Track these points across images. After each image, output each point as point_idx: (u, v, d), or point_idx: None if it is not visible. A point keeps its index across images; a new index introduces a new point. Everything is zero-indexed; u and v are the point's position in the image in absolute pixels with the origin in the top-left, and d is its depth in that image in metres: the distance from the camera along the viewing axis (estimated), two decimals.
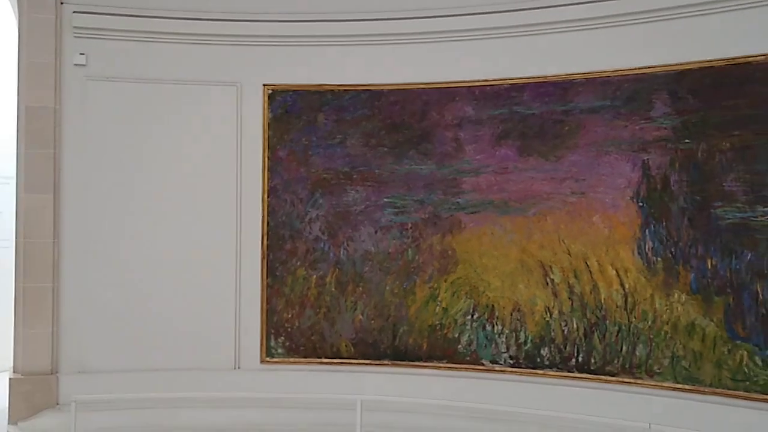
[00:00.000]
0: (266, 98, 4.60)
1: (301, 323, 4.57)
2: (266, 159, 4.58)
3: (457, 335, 4.41)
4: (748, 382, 3.66)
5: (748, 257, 3.70)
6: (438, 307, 4.45)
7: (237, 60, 4.60)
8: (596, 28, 4.11)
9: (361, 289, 4.54)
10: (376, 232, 4.55)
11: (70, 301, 4.49)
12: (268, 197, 4.59)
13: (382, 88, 4.53)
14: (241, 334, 4.56)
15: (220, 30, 4.57)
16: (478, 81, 4.39)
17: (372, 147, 4.56)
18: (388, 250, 4.53)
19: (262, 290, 4.57)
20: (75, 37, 4.52)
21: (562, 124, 4.24)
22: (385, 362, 4.48)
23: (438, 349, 4.44)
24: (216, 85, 4.61)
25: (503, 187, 4.36)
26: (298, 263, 4.58)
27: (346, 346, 4.55)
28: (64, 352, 4.48)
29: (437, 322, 4.45)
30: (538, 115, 4.28)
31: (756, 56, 3.69)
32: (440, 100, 4.47)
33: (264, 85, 4.61)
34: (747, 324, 3.69)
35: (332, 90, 4.58)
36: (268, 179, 4.58)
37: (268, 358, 4.56)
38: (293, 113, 4.61)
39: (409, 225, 4.51)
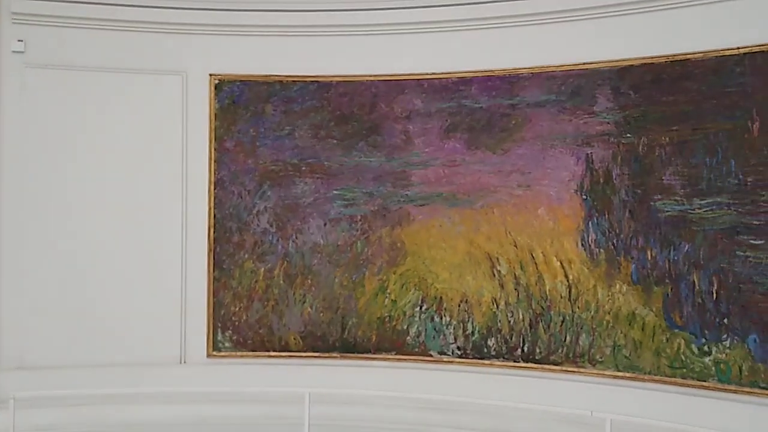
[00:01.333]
0: (213, 88, 4.54)
1: (249, 316, 4.55)
2: (213, 150, 4.53)
3: (405, 327, 4.46)
4: (684, 370, 3.81)
5: (686, 249, 3.83)
6: (387, 300, 4.49)
7: (182, 49, 4.52)
8: (542, 23, 4.18)
9: (309, 281, 4.55)
10: (325, 224, 4.55)
11: (8, 296, 4.36)
12: (214, 189, 4.54)
13: (331, 79, 4.53)
14: (187, 328, 4.50)
15: (165, 18, 4.49)
16: (427, 74, 4.43)
17: (321, 139, 4.55)
18: (337, 242, 4.54)
19: (209, 283, 4.52)
20: (13, 22, 4.37)
21: (508, 117, 4.31)
22: (334, 355, 4.50)
23: (387, 341, 4.48)
24: (161, 74, 4.52)
25: (452, 180, 4.41)
26: (246, 256, 4.55)
27: (294, 339, 4.55)
28: (1, 347, 4.35)
29: (386, 314, 4.49)
30: (486, 109, 4.35)
31: (694, 53, 3.81)
32: (389, 93, 4.49)
33: (210, 74, 4.54)
34: (684, 313, 3.84)
35: (280, 81, 4.55)
36: (215, 171, 4.53)
37: (214, 352, 4.53)
38: (240, 104, 4.56)
39: (359, 217, 4.53)
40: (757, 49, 3.62)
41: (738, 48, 3.68)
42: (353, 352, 4.49)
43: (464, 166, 4.39)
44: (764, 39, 3.60)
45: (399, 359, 4.44)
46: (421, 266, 4.45)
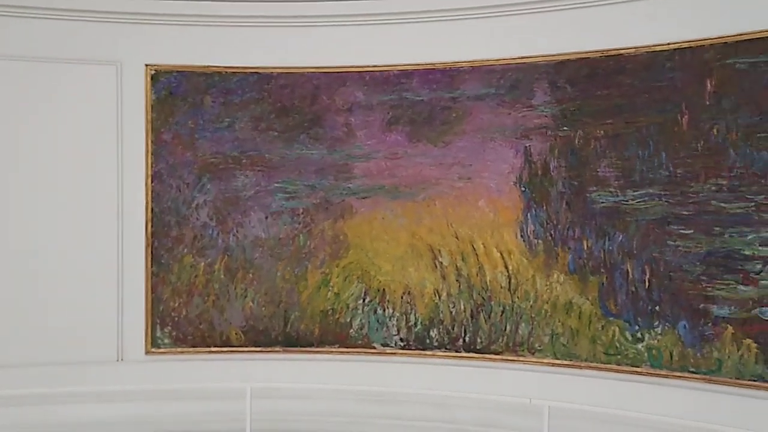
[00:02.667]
0: (149, 79, 4.45)
1: (189, 312, 4.49)
2: (150, 142, 4.43)
3: (349, 320, 4.48)
4: (619, 356, 3.95)
5: (620, 239, 3.97)
6: (330, 293, 4.50)
7: (117, 38, 4.40)
8: (482, 17, 4.24)
9: (251, 275, 4.52)
10: (266, 217, 4.53)
11: None
12: (152, 182, 4.45)
13: (271, 71, 4.49)
14: (125, 325, 4.40)
15: (99, 6, 4.35)
16: (368, 66, 4.44)
17: (261, 131, 4.52)
18: (279, 235, 4.52)
19: (147, 279, 4.44)
20: None
21: (449, 110, 4.37)
22: (277, 349, 4.49)
23: (330, 334, 4.49)
24: (95, 64, 4.39)
25: (394, 173, 4.45)
26: (185, 250, 4.49)
27: (236, 334, 4.51)
28: None
29: (329, 308, 4.50)
30: (427, 102, 4.40)
31: (627, 49, 3.93)
32: (331, 85, 4.49)
33: (146, 65, 4.45)
34: (618, 301, 3.97)
35: (219, 72, 4.49)
36: (152, 164, 4.44)
37: (153, 349, 4.45)
38: (178, 95, 4.48)
39: (301, 210, 4.52)
40: (686, 45, 3.76)
41: (668, 44, 3.81)
42: (296, 346, 4.48)
43: (406, 159, 4.43)
44: (693, 36, 3.74)
45: (342, 352, 4.46)
46: (364, 259, 4.48)
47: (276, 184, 4.52)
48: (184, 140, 4.49)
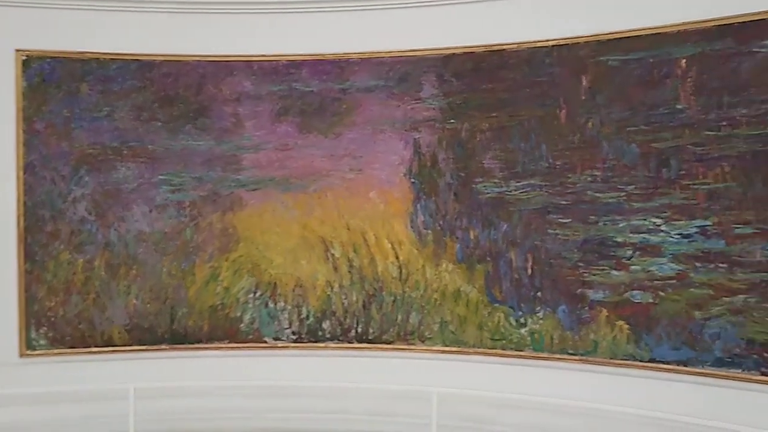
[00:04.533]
0: (20, 65, 4.22)
1: (67, 311, 4.30)
2: (21, 132, 4.21)
3: (239, 314, 4.45)
4: (504, 341, 4.15)
5: (504, 228, 4.16)
6: (219, 287, 4.45)
7: None
8: (372, 9, 4.30)
9: (134, 271, 4.39)
10: (150, 211, 4.40)
11: None
12: (24, 174, 4.22)
13: (153, 58, 4.36)
14: None
15: None
16: (256, 56, 4.40)
17: (144, 121, 4.39)
18: (165, 229, 4.41)
19: (20, 277, 4.21)
20: None
21: (339, 102, 4.41)
22: (163, 347, 4.39)
23: (220, 330, 4.44)
24: None
25: (284, 164, 4.45)
26: (62, 246, 4.30)
27: (119, 332, 4.37)
28: None
29: (219, 302, 4.45)
30: (317, 93, 4.42)
31: (510, 44, 4.12)
32: (217, 74, 4.42)
33: (17, 50, 4.21)
34: (503, 289, 4.17)
35: (97, 58, 4.31)
36: (24, 155, 4.21)
37: (28, 351, 4.24)
38: (52, 82, 4.27)
39: (187, 203, 4.43)
40: (563, 42, 3.98)
41: (547, 40, 4.02)
42: (184, 343, 4.40)
43: (296, 150, 4.44)
44: (570, 33, 3.96)
45: (233, 347, 4.43)
46: (255, 252, 4.45)
47: (160, 176, 4.40)
48: (59, 130, 4.29)
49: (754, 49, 3.43)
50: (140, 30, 4.33)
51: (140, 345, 4.37)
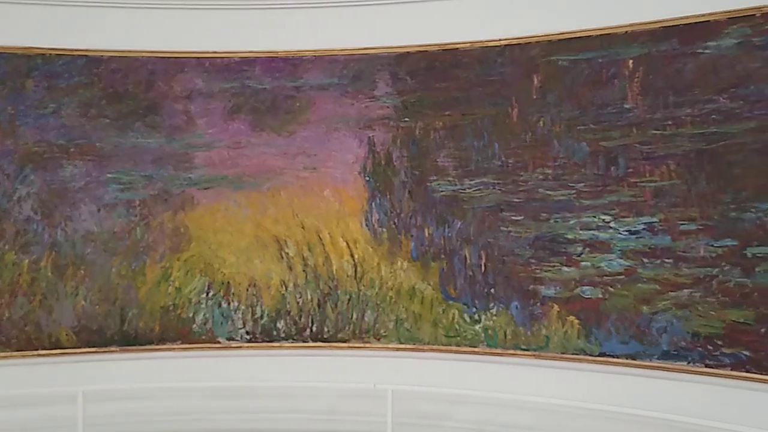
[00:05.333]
0: None
1: (12, 313, 4.20)
2: None
3: (191, 315, 4.42)
4: (458, 338, 4.21)
5: (458, 226, 4.22)
6: (171, 287, 4.41)
7: None
8: (323, 6, 4.32)
9: (83, 272, 4.31)
10: (99, 210, 4.34)
11: None
12: None
13: (101, 54, 4.30)
14: None
15: None
16: (208, 52, 4.38)
17: (92, 118, 4.32)
18: (114, 229, 4.35)
19: None
20: None
21: (293, 99, 4.42)
22: (113, 349, 4.32)
23: (171, 331, 4.40)
24: None
25: (237, 162, 4.43)
26: (7, 247, 4.19)
27: (67, 335, 4.29)
28: None
29: (170, 303, 4.41)
30: (270, 90, 4.42)
31: (463, 43, 4.19)
32: (168, 71, 4.38)
33: None
34: (457, 286, 4.23)
35: (43, 54, 4.22)
36: None
37: None
38: None
39: (137, 202, 4.38)
40: (515, 42, 4.07)
41: (500, 40, 4.10)
42: (134, 345, 4.34)
43: (250, 148, 4.43)
44: (522, 33, 4.05)
45: (185, 348, 4.39)
46: (207, 251, 4.43)
47: (109, 175, 4.34)
48: (4, 127, 4.20)
49: (698, 51, 3.56)
50: (88, 25, 4.26)
51: (89, 347, 4.30)
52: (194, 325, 4.42)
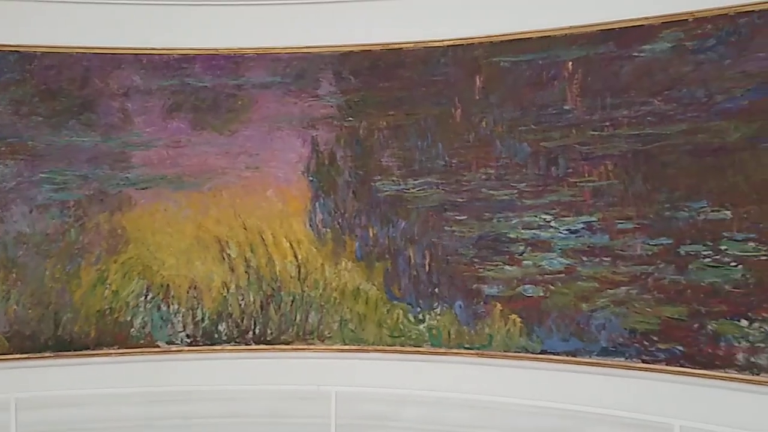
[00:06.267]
0: None
1: None
2: None
3: (129, 318, 4.35)
4: (403, 338, 4.26)
5: (402, 225, 4.28)
6: (107, 291, 4.33)
7: None
8: (265, 4, 4.31)
9: (14, 275, 4.19)
10: (31, 211, 4.23)
11: None
12: None
13: (34, 50, 4.19)
14: None
15: None
16: (146, 49, 4.31)
17: (24, 116, 4.20)
18: (47, 230, 4.25)
19: None
20: None
21: (235, 98, 4.40)
22: (47, 355, 4.22)
23: (108, 335, 4.32)
24: None
25: (177, 162, 4.38)
26: None
27: None
28: None
29: (107, 307, 4.32)
30: (211, 88, 4.38)
31: (406, 43, 4.24)
32: (104, 67, 4.30)
33: None
34: (402, 286, 4.28)
35: None
36: None
37: None
38: None
39: (72, 203, 4.29)
40: (458, 42, 4.14)
41: (443, 40, 4.17)
42: (69, 350, 4.25)
43: (190, 147, 4.39)
44: (464, 34, 4.12)
45: (122, 353, 4.31)
46: (146, 253, 4.36)
47: (42, 175, 4.24)
48: None
49: (634, 54, 3.70)
50: (20, 20, 4.15)
51: (22, 353, 4.19)
52: (132, 329, 4.35)
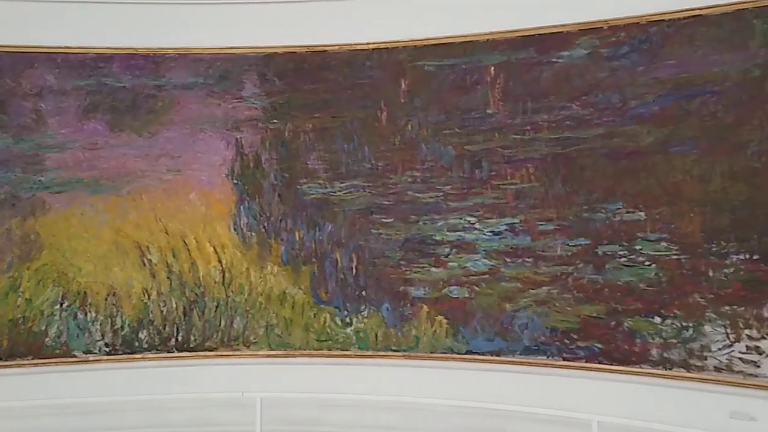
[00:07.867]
0: None
1: None
2: None
3: (44, 328, 4.25)
4: (330, 341, 4.32)
5: (329, 228, 4.34)
6: (20, 299, 4.22)
7: None
8: (185, 4, 4.30)
9: None
10: None
11: None
12: None
13: None
14: None
15: None
16: (61, 47, 4.23)
17: None
18: None
19: None
20: None
21: (155, 99, 4.36)
22: None
23: (22, 345, 4.21)
24: None
25: (93, 164, 4.32)
26: None
27: None
28: None
29: (20, 316, 4.21)
30: (130, 89, 4.33)
31: (331, 46, 4.31)
32: (15, 66, 4.20)
33: None
34: (329, 289, 4.34)
35: None
36: None
37: None
38: None
39: None
40: (383, 46, 4.25)
41: (368, 43, 4.26)
42: None
43: (107, 150, 4.33)
44: (388, 37, 4.22)
45: (37, 364, 4.21)
46: (61, 260, 4.28)
47: None
48: None
49: (553, 60, 3.88)
50: None
51: None
52: (47, 339, 4.25)
